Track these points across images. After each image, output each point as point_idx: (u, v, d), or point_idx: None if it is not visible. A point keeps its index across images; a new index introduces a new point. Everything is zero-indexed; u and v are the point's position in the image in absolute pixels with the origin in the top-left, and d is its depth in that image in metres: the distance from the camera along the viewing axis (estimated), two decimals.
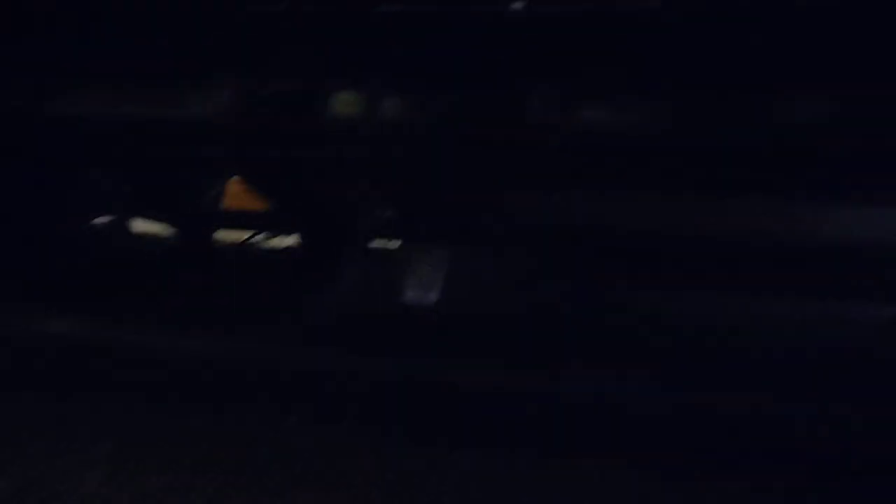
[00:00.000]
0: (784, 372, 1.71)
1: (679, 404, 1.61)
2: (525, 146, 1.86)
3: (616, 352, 1.70)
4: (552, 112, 1.84)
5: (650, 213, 1.87)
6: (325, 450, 1.63)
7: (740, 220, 1.91)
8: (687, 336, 1.86)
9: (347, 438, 1.68)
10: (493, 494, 1.47)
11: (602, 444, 1.55)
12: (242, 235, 3.70)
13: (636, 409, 1.54)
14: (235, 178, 3.20)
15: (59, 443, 1.59)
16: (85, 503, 1.36)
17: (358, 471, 1.54)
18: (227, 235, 3.68)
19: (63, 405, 1.79)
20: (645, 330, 1.79)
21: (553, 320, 1.76)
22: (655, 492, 1.48)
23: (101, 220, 3.54)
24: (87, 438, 1.60)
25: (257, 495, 1.42)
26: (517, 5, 1.81)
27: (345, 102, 2.29)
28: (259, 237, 3.64)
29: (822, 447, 1.55)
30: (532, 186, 1.97)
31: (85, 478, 1.44)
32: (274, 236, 3.58)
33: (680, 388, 1.62)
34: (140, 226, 3.75)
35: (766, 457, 1.51)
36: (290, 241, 3.56)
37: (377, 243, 2.39)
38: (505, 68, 1.92)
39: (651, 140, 1.70)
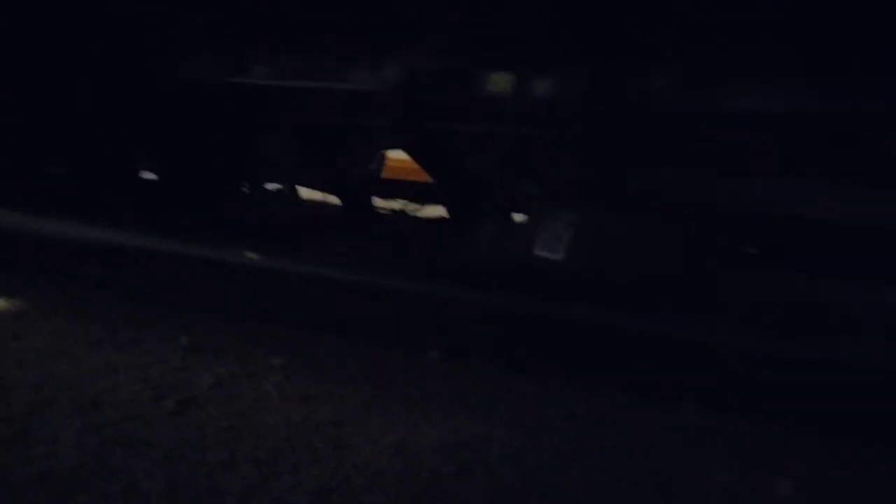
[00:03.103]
0: None
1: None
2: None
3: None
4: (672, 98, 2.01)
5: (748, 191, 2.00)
6: (455, 378, 1.91)
7: None
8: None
9: (475, 369, 1.97)
10: (595, 420, 1.70)
11: (687, 386, 1.74)
12: (397, 204, 4.05)
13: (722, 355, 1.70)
14: (393, 150, 3.53)
15: (245, 355, 1.95)
16: (272, 402, 1.70)
17: (480, 392, 1.81)
18: (383, 203, 4.05)
19: (241, 326, 2.16)
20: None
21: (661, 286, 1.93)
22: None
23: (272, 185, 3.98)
24: (265, 352, 1.95)
25: (397, 407, 1.71)
26: None
27: (495, 82, 2.53)
28: (411, 206, 3.98)
29: None
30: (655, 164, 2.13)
31: (263, 381, 1.79)
32: (424, 205, 3.91)
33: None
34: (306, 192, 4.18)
35: None
36: (438, 210, 3.87)
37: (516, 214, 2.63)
38: (638, 55, 2.11)
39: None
